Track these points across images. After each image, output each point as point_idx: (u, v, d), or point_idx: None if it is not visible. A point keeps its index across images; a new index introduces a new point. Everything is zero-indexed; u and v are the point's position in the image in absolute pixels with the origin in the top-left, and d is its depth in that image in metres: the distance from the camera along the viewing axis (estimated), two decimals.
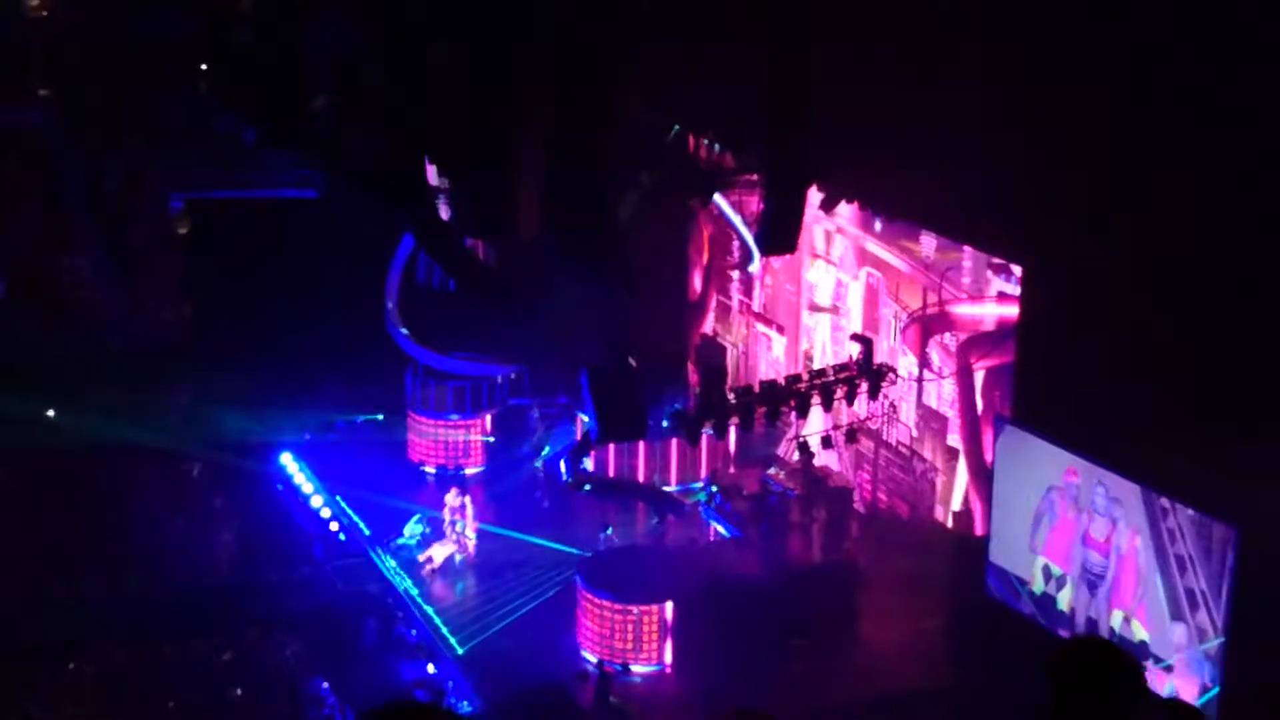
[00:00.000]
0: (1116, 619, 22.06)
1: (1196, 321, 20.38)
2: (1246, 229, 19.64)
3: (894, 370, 28.57)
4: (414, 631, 28.26)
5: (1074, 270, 22.49)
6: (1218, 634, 20.31)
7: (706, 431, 27.80)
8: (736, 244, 34.81)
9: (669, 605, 26.48)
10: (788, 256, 30.49)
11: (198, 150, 42.37)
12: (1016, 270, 25.72)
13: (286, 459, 34.44)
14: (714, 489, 31.28)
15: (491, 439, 34.52)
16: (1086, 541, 22.56)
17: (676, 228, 34.37)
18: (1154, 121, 20.39)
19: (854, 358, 28.25)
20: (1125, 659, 6.98)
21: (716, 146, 29.64)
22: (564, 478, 32.25)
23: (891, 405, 29.84)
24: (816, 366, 30.48)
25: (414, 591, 29.14)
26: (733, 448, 32.76)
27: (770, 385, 27.81)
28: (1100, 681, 6.88)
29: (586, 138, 25.78)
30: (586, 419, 29.76)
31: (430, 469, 34.24)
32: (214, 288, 40.20)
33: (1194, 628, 20.68)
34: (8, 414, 33.70)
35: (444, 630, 27.73)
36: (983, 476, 26.83)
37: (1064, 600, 23.08)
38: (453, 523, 30.24)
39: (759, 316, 34.65)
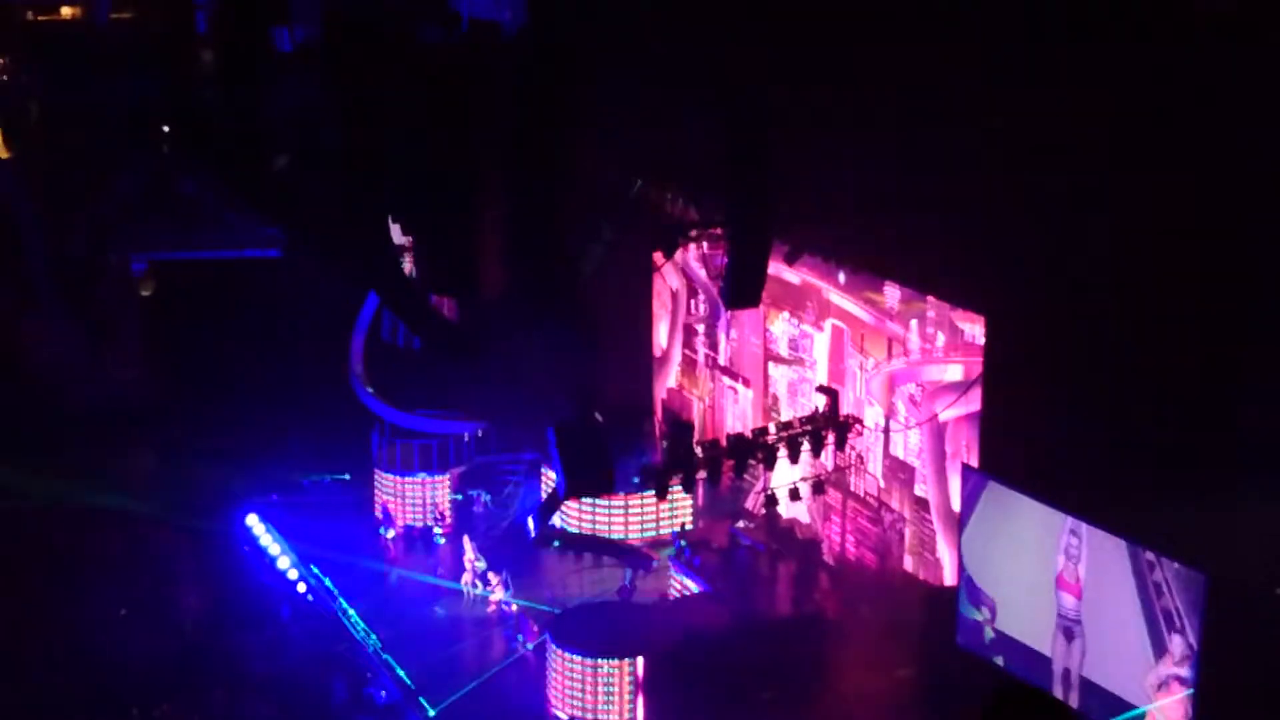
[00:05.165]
0: (1091, 668, 22.02)
1: (1160, 368, 20.46)
2: (1208, 277, 19.76)
3: (860, 421, 28.60)
4: (383, 692, 28.08)
5: (1037, 319, 22.57)
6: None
7: (674, 486, 27.76)
8: (702, 298, 34.89)
9: (639, 660, 26.39)
10: (752, 310, 30.54)
11: (161, 211, 42.36)
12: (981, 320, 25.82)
13: (252, 520, 34.26)
14: (683, 543, 31.22)
15: (459, 496, 34.43)
16: (1060, 585, 22.52)
17: (641, 282, 34.42)
18: (1113, 169, 20.54)
19: (820, 409, 28.29)
20: (1053, 707, 6.98)
21: (680, 200, 29.73)
22: (532, 534, 32.20)
23: (858, 456, 29.87)
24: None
25: (384, 654, 29.01)
26: (700, 501, 32.72)
27: (737, 438, 27.81)
28: None
29: (548, 194, 25.85)
30: (553, 475, 29.72)
31: (393, 531, 34.10)
32: (178, 348, 40.08)
33: (1176, 674, 20.66)
34: None
35: (412, 688, 27.59)
36: (952, 525, 26.83)
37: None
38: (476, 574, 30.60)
39: (725, 370, 34.69)
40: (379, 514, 34.30)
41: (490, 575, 30.50)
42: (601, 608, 29.42)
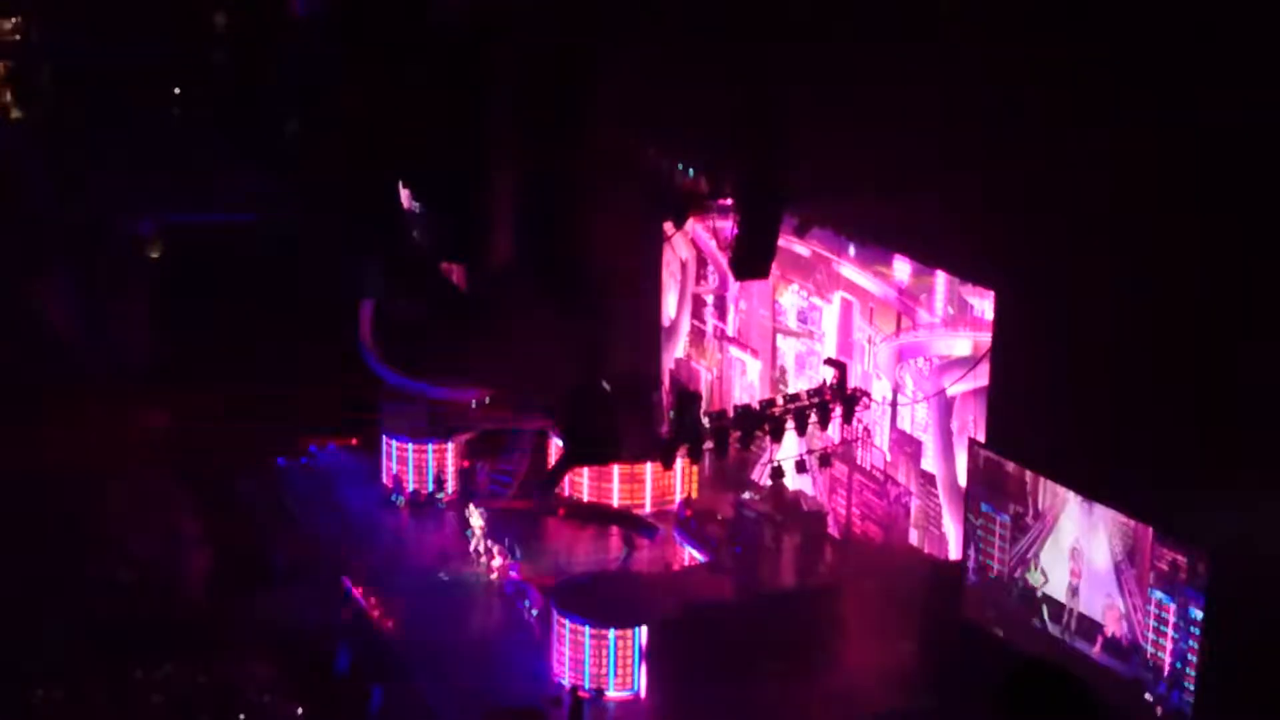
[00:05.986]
0: (1088, 642, 22.01)
1: (1168, 344, 20.43)
2: (1217, 254, 19.71)
3: (867, 394, 28.57)
4: (385, 657, 28.14)
5: (1046, 295, 22.54)
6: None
7: (680, 456, 27.78)
8: (711, 269, 34.84)
9: (643, 630, 26.43)
10: (762, 280, 30.48)
11: (170, 173, 42.34)
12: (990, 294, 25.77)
13: (260, 483, 34.28)
14: (688, 514, 31.24)
15: (466, 463, 34.44)
16: (1070, 556, 22.50)
17: (650, 252, 34.38)
18: (1121, 146, 20.47)
19: (828, 382, 28.27)
20: (1073, 685, 6.91)
21: (691, 171, 29.67)
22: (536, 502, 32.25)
23: (865, 429, 29.85)
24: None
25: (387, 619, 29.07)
26: (707, 472, 32.73)
27: (744, 410, 27.79)
28: (1049, 709, 6.83)
29: (559, 162, 25.83)
30: (559, 442, 29.76)
31: (402, 496, 34.13)
32: (186, 311, 40.07)
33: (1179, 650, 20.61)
34: None
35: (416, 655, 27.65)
36: (958, 500, 26.83)
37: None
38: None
39: (733, 341, 34.66)
40: (387, 480, 34.34)
41: (487, 544, 30.52)
42: (606, 577, 29.46)
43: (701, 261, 35.17)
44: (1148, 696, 20.81)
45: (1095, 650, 21.83)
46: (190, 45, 37.68)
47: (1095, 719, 6.91)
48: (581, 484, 32.96)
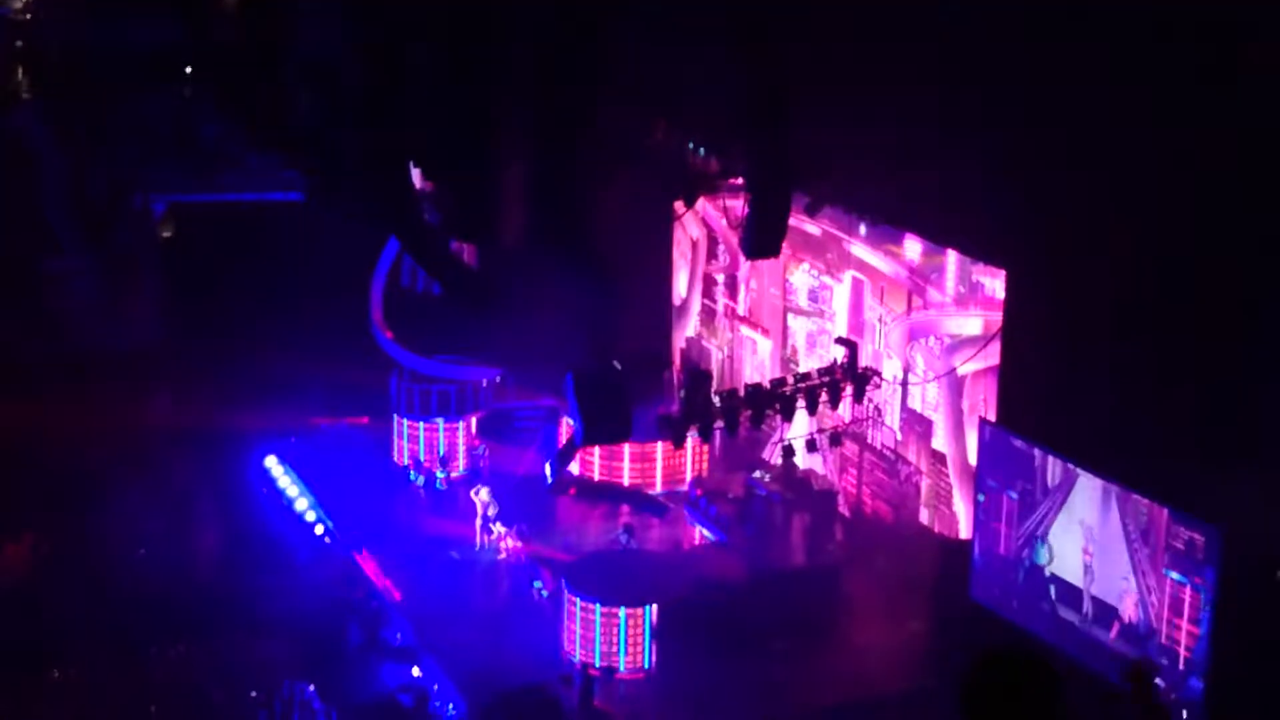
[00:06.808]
0: (1099, 625, 21.99)
1: (1180, 323, 20.39)
2: (1233, 232, 19.66)
3: (878, 373, 28.57)
4: (398, 635, 28.21)
5: (1057, 274, 22.50)
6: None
7: (691, 435, 27.80)
8: (722, 247, 34.83)
9: (654, 608, 26.47)
10: (772, 260, 30.46)
11: (181, 153, 42.31)
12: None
13: (271, 462, 34.37)
14: (699, 493, 31.26)
15: (477, 442, 34.46)
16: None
17: (660, 230, 34.37)
18: (1138, 124, 20.41)
19: (839, 361, 28.27)
20: (1038, 671, 6.84)
21: (701, 149, 29.61)
22: (548, 481, 32.26)
23: (876, 409, 29.84)
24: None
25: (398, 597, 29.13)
26: (718, 451, 32.75)
27: (755, 389, 27.80)
28: (1012, 696, 6.77)
29: (569, 140, 25.81)
30: (571, 422, 29.74)
31: (419, 473, 34.16)
32: (197, 291, 40.09)
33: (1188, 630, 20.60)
34: None
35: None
36: (969, 479, 26.82)
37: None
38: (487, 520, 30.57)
39: (744, 320, 34.65)
40: (401, 459, 34.35)
41: (496, 526, 30.56)
42: (617, 555, 29.51)
43: (712, 240, 35.15)
44: (1160, 683, 20.70)
45: (1111, 636, 21.73)
46: (200, 24, 37.62)
47: (1062, 706, 6.86)
48: (593, 463, 33.04)
